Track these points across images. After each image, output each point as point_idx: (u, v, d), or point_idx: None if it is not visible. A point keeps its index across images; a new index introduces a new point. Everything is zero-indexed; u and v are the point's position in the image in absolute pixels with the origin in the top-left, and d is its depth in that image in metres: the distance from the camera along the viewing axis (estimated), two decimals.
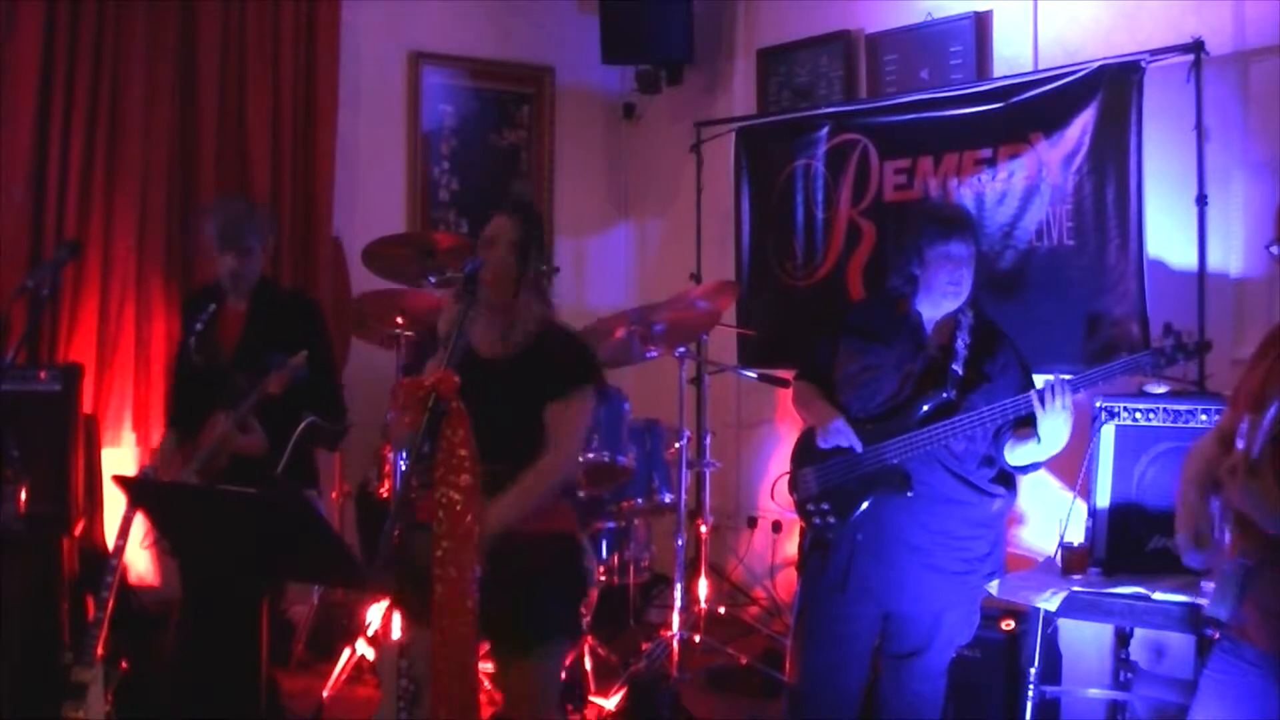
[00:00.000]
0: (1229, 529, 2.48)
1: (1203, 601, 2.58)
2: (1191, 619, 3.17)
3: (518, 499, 2.90)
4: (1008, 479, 3.46)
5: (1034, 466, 3.41)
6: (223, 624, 3.70)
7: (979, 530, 3.42)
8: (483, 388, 2.88)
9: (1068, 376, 3.26)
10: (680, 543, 4.80)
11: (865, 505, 3.39)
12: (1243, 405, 2.53)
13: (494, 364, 2.99)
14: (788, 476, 3.63)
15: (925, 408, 3.34)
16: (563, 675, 3.33)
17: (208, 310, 3.76)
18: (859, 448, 3.38)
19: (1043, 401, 3.18)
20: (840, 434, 3.40)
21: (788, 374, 3.84)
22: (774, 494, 4.67)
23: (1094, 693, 3.81)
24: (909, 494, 3.34)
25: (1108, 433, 3.62)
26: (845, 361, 3.52)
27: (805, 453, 3.56)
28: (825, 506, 3.46)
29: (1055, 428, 3.21)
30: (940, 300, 3.41)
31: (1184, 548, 2.60)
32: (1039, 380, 3.43)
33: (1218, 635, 2.58)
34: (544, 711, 3.02)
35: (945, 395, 3.33)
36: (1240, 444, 2.41)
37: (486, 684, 4.29)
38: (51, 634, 3.95)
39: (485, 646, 3.10)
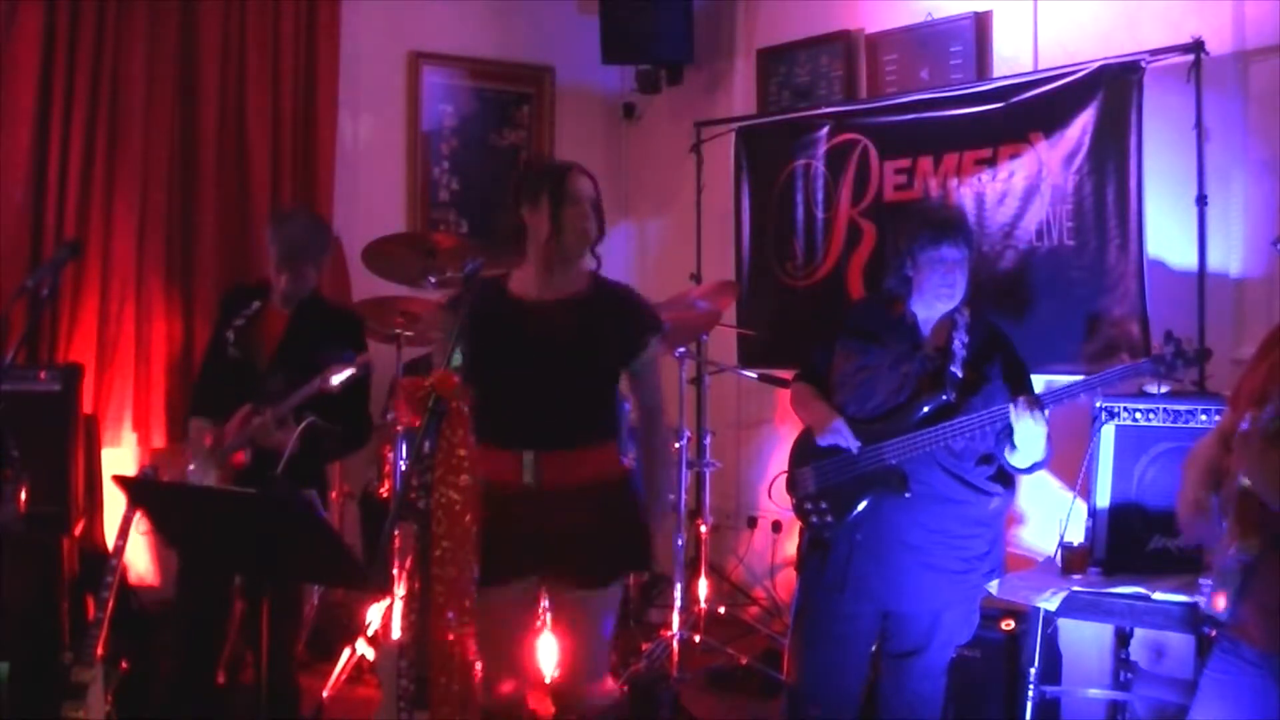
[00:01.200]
0: (1228, 526, 2.48)
1: (1201, 599, 2.58)
2: (1191, 619, 3.17)
3: (659, 483, 3.20)
4: (1006, 477, 3.46)
5: (1036, 467, 3.41)
6: (221, 622, 3.72)
7: (977, 529, 3.42)
8: (539, 328, 3.00)
9: (1071, 379, 3.26)
10: (680, 543, 4.80)
11: (863, 505, 3.39)
12: (1244, 405, 2.53)
13: (551, 305, 3.04)
14: (785, 476, 3.64)
15: (925, 409, 3.35)
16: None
17: (251, 306, 3.79)
18: (855, 448, 3.38)
19: (1017, 414, 3.20)
20: (838, 434, 3.40)
21: (788, 374, 3.85)
22: (771, 493, 4.68)
23: (1094, 693, 3.81)
24: (906, 495, 3.34)
25: (1108, 433, 3.62)
26: (842, 363, 3.52)
27: (803, 452, 3.56)
28: (823, 506, 3.46)
29: (1031, 437, 3.23)
30: (934, 302, 3.42)
31: (1184, 521, 2.61)
32: (1038, 380, 3.44)
33: (1214, 633, 2.58)
34: (603, 640, 3.15)
35: (944, 397, 3.33)
36: (1244, 428, 2.41)
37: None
38: (51, 634, 3.95)
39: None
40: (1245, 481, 2.41)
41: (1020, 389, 3.37)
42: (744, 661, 4.72)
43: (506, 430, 2.94)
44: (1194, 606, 3.13)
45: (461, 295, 2.92)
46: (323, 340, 3.69)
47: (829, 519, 3.45)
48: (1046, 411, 3.22)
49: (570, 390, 3.03)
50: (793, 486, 3.59)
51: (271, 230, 3.85)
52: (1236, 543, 2.43)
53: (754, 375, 5.38)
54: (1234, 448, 2.44)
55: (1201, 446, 2.70)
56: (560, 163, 3.13)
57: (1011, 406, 3.22)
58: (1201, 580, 2.60)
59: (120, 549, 3.74)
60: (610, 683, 3.29)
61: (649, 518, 3.13)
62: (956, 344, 3.39)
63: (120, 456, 4.95)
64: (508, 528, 2.91)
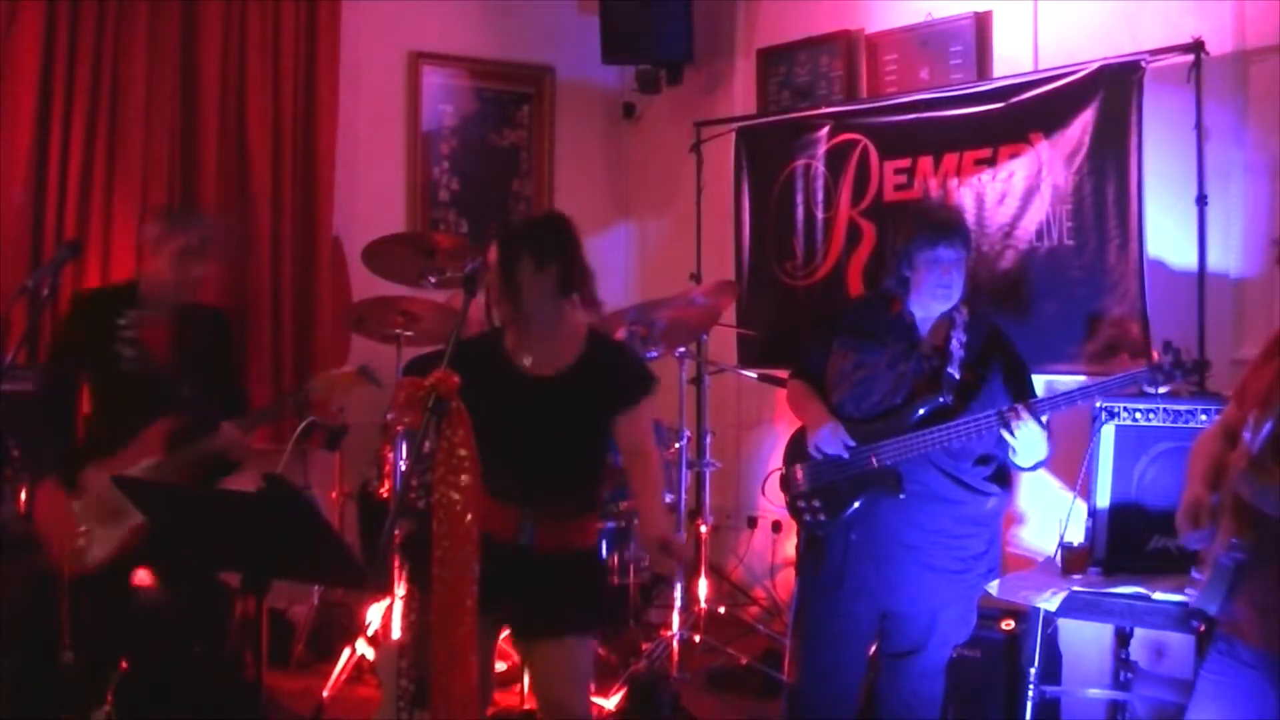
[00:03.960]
0: (1223, 522, 2.48)
1: (1190, 595, 2.59)
2: (1187, 617, 3.17)
3: (653, 496, 3.13)
4: (1003, 477, 3.46)
5: (1039, 465, 3.41)
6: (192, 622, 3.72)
7: (974, 529, 3.42)
8: (535, 403, 2.98)
9: (1071, 379, 3.26)
10: (680, 543, 4.79)
11: (856, 505, 3.39)
12: (1250, 403, 2.53)
13: (545, 381, 3.02)
14: (779, 473, 3.64)
15: (921, 411, 3.34)
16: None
17: (127, 314, 3.57)
18: (845, 455, 3.38)
19: (1007, 426, 3.20)
20: (829, 443, 3.39)
21: (787, 374, 3.85)
22: (765, 489, 4.68)
23: (1094, 693, 3.81)
24: (901, 495, 3.34)
25: (1108, 433, 3.62)
26: (840, 361, 3.52)
27: (798, 450, 3.56)
28: (816, 504, 3.46)
29: (1028, 443, 3.23)
30: (930, 302, 3.42)
31: (1183, 528, 2.61)
32: (1038, 380, 3.43)
33: (1202, 628, 2.58)
34: (584, 688, 3.13)
35: (941, 400, 3.33)
36: (1247, 435, 2.42)
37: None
38: (51, 634, 3.95)
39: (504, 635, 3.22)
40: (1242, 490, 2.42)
41: (1020, 390, 3.36)
42: (744, 661, 4.72)
43: (507, 488, 2.92)
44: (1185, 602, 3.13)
45: (463, 295, 2.92)
46: (206, 343, 3.74)
47: (822, 517, 3.45)
48: (1045, 417, 3.22)
49: (567, 463, 3.03)
50: (786, 484, 3.59)
51: (163, 223, 3.77)
52: (1231, 539, 2.44)
53: (754, 375, 5.38)
54: (1229, 472, 2.45)
55: (1204, 441, 2.70)
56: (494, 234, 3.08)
57: (1007, 419, 3.22)
58: (1194, 573, 2.60)
59: None
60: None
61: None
62: (954, 344, 3.38)
63: None
64: (488, 571, 2.87)
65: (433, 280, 4.60)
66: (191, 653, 3.72)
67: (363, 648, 4.49)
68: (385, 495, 4.73)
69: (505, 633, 3.24)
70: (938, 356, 3.40)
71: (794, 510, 3.55)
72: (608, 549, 4.76)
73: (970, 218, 4.56)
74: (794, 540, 3.79)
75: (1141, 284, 4.18)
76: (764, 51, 5.77)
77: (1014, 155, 4.58)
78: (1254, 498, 2.39)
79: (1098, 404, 3.63)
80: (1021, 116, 4.55)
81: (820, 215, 5.30)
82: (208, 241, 3.76)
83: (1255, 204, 4.10)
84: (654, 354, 4.81)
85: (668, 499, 4.83)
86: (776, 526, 5.55)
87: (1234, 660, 2.50)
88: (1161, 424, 3.57)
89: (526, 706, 4.18)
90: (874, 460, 3.36)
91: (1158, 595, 3.27)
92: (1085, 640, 3.84)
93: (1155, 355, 3.27)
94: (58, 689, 3.62)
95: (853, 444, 3.39)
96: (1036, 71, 4.61)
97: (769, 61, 5.75)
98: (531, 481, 2.97)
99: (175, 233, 3.73)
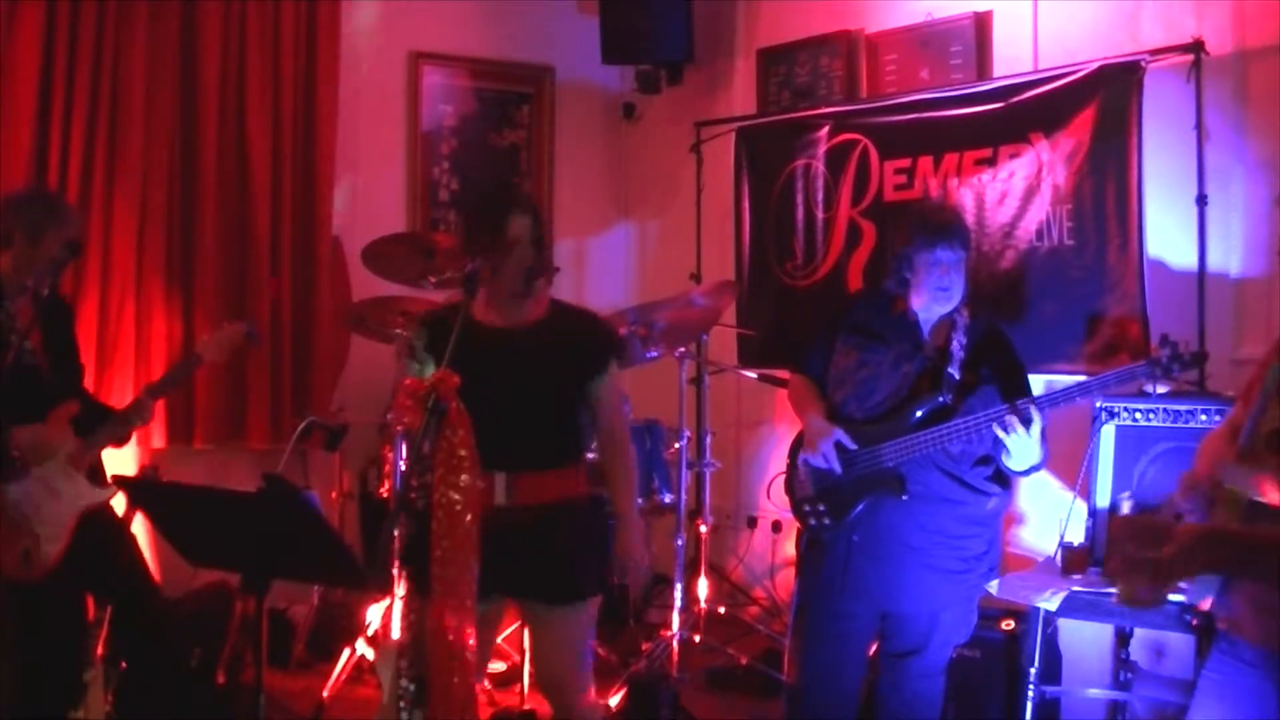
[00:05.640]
0: (1220, 517, 2.48)
1: (1185, 587, 2.59)
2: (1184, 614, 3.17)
3: (629, 498, 3.26)
4: (1003, 478, 3.45)
5: (1034, 470, 3.40)
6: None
7: (975, 529, 3.42)
8: (503, 354, 3.03)
9: (1071, 379, 3.26)
10: (680, 543, 4.80)
11: (860, 507, 3.39)
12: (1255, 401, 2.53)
13: (512, 332, 3.08)
14: (784, 475, 3.64)
15: (920, 412, 3.34)
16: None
17: (4, 308, 3.51)
18: (838, 470, 3.37)
19: (1003, 427, 3.20)
20: (824, 458, 3.39)
21: (787, 374, 3.84)
22: (770, 493, 4.68)
23: (1094, 693, 3.82)
24: (904, 497, 3.34)
25: (1108, 433, 3.62)
26: (843, 359, 3.51)
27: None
28: (821, 507, 3.46)
29: (1021, 447, 3.22)
30: (931, 304, 3.42)
31: (1179, 494, 2.61)
32: (1038, 380, 3.43)
33: (1195, 622, 2.58)
34: (583, 655, 3.16)
35: (941, 399, 3.33)
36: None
37: (487, 684, 4.31)
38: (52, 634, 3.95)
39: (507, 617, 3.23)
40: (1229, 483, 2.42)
41: (1016, 392, 3.35)
42: (744, 661, 4.72)
43: (481, 450, 2.92)
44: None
45: (440, 310, 2.95)
46: (61, 333, 3.72)
47: (827, 521, 3.44)
48: (1036, 419, 3.21)
49: (537, 413, 3.06)
50: (791, 487, 3.59)
51: (27, 212, 3.61)
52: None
53: (754, 375, 5.38)
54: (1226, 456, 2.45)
55: (1212, 438, 2.69)
56: (499, 204, 3.10)
57: (995, 425, 3.22)
58: None
59: None
60: (594, 694, 3.30)
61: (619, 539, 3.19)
62: (955, 345, 3.38)
63: (120, 456, 4.94)
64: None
65: (432, 280, 4.60)
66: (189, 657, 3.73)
67: (363, 648, 4.49)
68: (385, 495, 4.73)
69: (506, 632, 3.25)
70: (939, 357, 3.40)
71: (799, 514, 3.55)
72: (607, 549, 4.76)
73: (970, 218, 4.56)
74: (794, 540, 3.79)
75: (1141, 284, 4.18)
76: (764, 51, 5.77)
77: (1014, 155, 4.58)
78: (1242, 485, 2.39)
79: (1098, 404, 3.63)
80: (1021, 116, 4.55)
81: (820, 215, 5.30)
82: (64, 220, 3.67)
83: (1255, 204, 4.10)
84: (654, 354, 4.81)
85: (667, 499, 4.84)
86: (776, 526, 5.55)
87: (1236, 660, 2.50)
88: (1161, 424, 3.57)
89: (526, 706, 4.19)
90: (876, 461, 3.35)
91: None
92: (1085, 640, 3.84)
93: (1154, 349, 3.26)
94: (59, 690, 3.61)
95: (853, 448, 3.39)
96: (1036, 71, 4.62)
97: (769, 61, 5.75)
98: (503, 437, 2.96)
99: (39, 221, 3.59)
